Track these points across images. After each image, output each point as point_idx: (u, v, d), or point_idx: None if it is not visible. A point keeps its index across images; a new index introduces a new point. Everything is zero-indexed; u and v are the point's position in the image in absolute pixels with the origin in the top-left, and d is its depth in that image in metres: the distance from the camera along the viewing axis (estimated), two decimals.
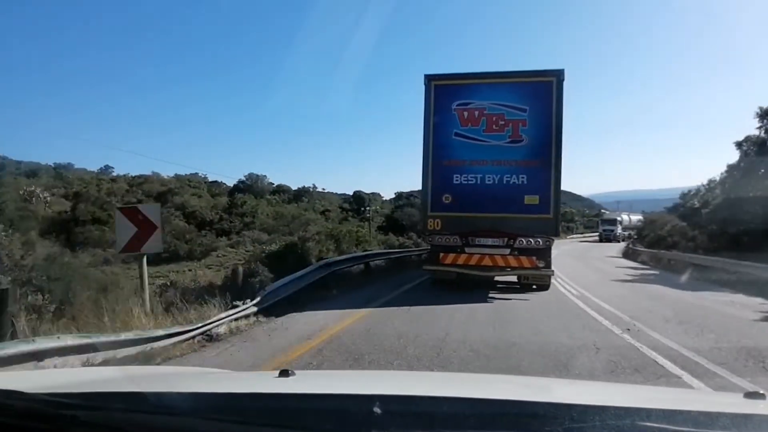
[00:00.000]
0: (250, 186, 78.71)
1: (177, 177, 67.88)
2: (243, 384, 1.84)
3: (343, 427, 1.11)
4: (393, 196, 68.92)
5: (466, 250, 11.62)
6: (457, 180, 11.73)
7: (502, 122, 11.47)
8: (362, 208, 65.37)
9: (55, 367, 3.87)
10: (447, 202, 11.78)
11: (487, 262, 11.47)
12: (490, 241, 11.50)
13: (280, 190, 75.35)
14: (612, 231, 41.10)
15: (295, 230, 29.71)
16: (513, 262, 11.31)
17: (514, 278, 12.11)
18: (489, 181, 11.51)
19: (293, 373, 1.63)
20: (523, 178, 11.28)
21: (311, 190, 75.38)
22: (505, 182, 11.39)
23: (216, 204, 46.79)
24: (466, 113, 11.72)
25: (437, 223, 11.86)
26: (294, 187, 76.25)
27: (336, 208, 64.73)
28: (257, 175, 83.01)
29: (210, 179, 76.90)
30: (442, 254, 11.79)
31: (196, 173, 76.03)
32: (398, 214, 52.06)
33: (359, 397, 1.33)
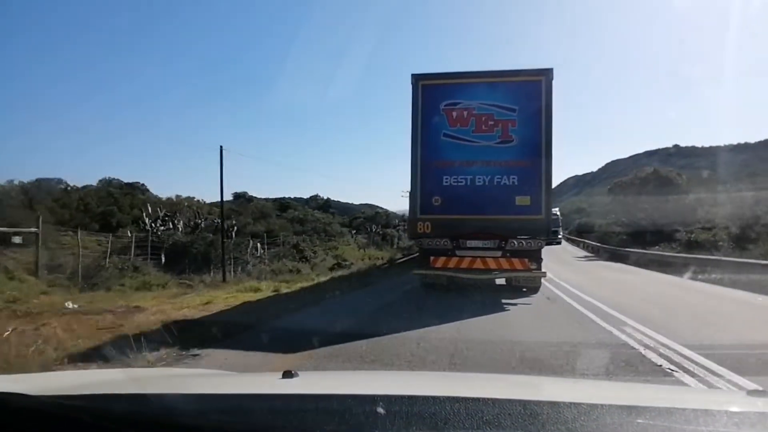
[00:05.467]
0: None
1: None
2: (247, 385, 1.85)
3: (346, 427, 1.11)
4: None
5: (457, 253, 11.32)
6: (446, 182, 11.37)
7: (492, 122, 11.28)
8: None
9: None
10: (437, 204, 11.40)
11: (479, 265, 11.23)
12: (481, 244, 11.28)
13: None
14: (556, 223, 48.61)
15: None
16: (505, 264, 11.16)
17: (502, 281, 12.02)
18: (479, 182, 11.26)
19: (297, 374, 1.64)
20: (513, 179, 11.15)
21: None
22: (495, 183, 11.20)
23: None
24: (454, 113, 11.40)
25: (427, 226, 11.45)
26: None
27: None
28: None
29: None
30: (432, 258, 11.41)
31: None
32: None
33: (363, 397, 1.34)
